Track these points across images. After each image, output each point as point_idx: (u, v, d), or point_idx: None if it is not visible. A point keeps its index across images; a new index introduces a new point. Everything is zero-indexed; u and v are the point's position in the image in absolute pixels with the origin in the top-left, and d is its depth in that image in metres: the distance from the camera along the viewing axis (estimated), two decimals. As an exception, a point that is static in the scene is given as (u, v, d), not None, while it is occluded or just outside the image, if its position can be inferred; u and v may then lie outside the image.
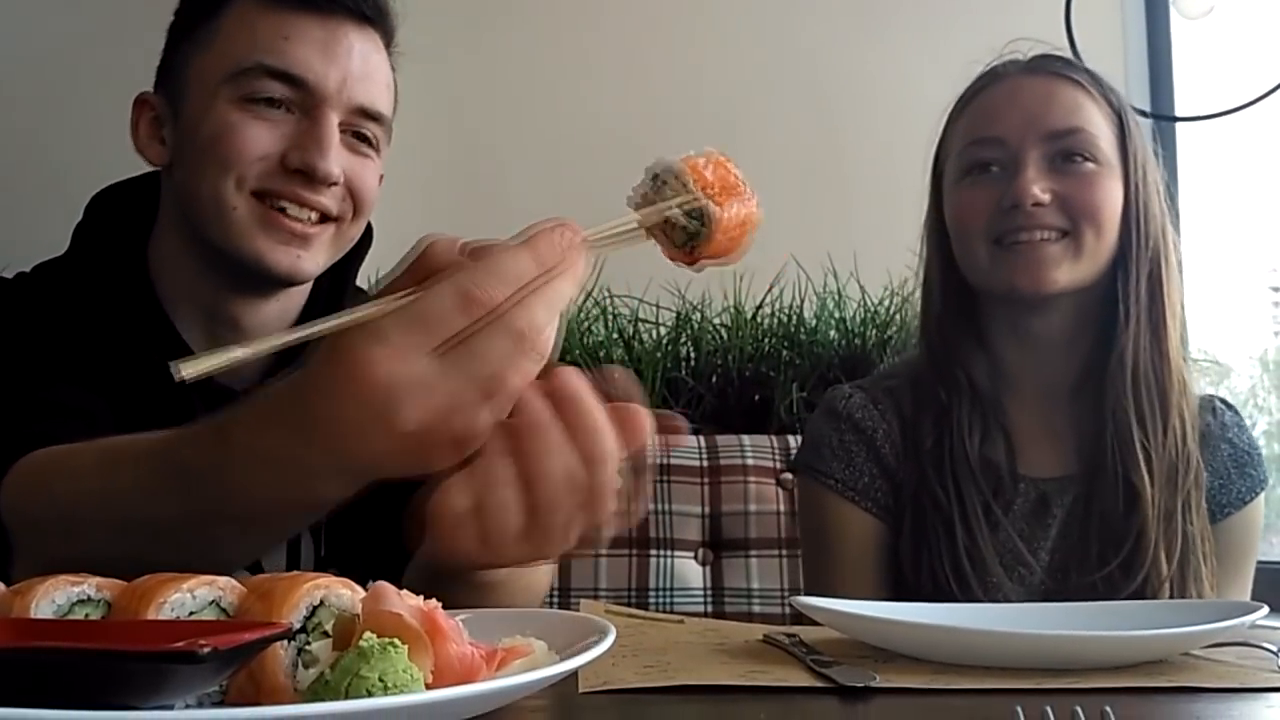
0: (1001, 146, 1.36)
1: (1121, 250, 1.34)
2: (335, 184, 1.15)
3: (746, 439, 1.93)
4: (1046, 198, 1.31)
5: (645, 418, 0.73)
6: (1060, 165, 1.34)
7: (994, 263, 1.34)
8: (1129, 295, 1.33)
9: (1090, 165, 1.33)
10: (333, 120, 1.14)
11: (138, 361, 1.11)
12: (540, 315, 0.65)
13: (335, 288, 1.26)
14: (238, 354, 0.62)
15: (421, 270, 0.66)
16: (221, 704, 0.59)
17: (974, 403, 1.38)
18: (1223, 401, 1.45)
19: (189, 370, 0.60)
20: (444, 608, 0.60)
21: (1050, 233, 1.32)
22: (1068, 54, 1.44)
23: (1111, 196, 1.33)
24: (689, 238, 0.70)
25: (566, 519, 0.73)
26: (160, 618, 0.58)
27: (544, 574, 0.95)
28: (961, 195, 1.38)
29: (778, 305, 2.23)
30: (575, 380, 0.72)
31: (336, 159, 1.14)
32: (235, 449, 0.72)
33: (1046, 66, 1.39)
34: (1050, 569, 1.33)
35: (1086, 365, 1.36)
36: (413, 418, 0.64)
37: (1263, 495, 1.42)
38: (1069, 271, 1.32)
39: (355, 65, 1.16)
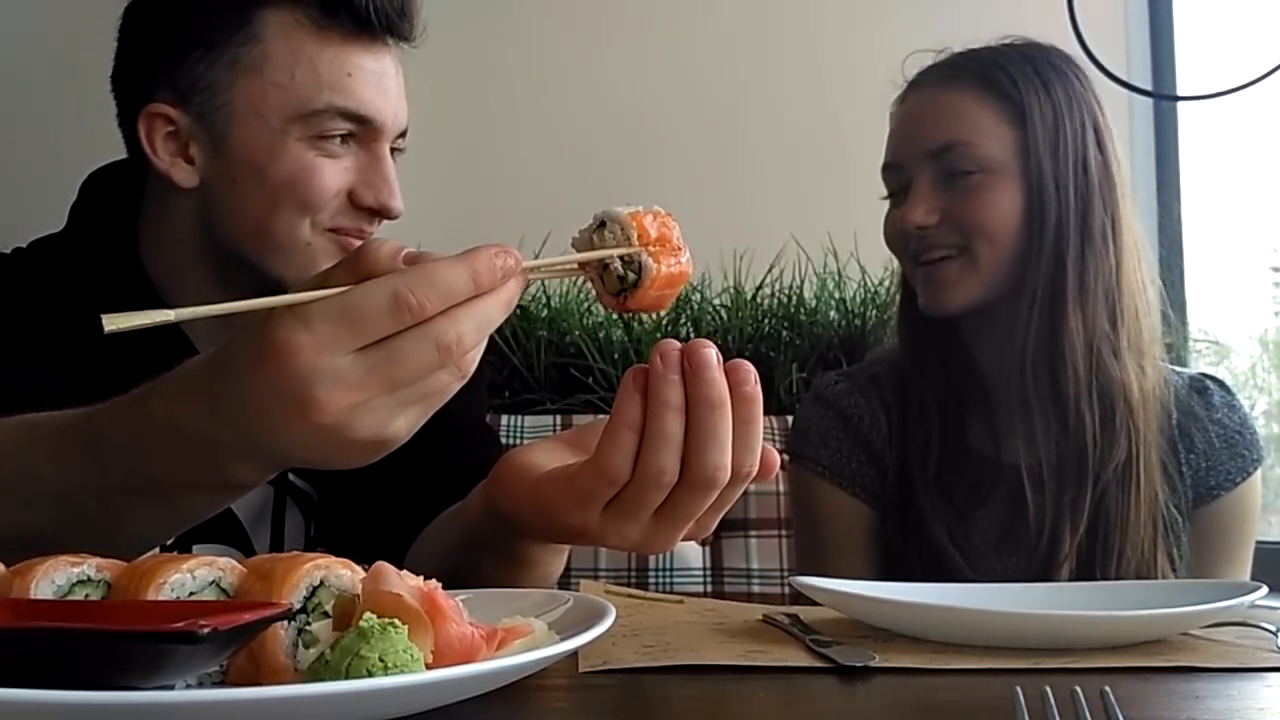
0: (899, 171, 1.38)
1: (1028, 245, 1.30)
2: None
3: (746, 419, 1.92)
4: (933, 220, 1.32)
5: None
6: (947, 182, 1.33)
7: (916, 280, 1.37)
8: (1033, 290, 1.30)
9: (977, 176, 1.31)
10: (389, 153, 1.16)
11: (127, 345, 1.10)
12: (468, 333, 0.65)
13: None
14: (169, 316, 0.62)
15: (360, 269, 0.66)
16: (222, 684, 0.59)
17: (956, 392, 1.38)
18: (1214, 380, 1.42)
19: (114, 324, 0.60)
20: (448, 586, 0.60)
21: (948, 250, 1.32)
22: (984, 45, 1.38)
23: (1001, 204, 1.31)
24: (622, 286, 0.73)
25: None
26: (160, 598, 0.58)
27: (562, 557, 0.94)
28: (887, 219, 1.41)
29: (778, 286, 2.23)
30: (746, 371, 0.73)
31: (399, 193, 1.16)
32: (150, 419, 0.72)
33: (928, 78, 1.38)
34: (1034, 553, 1.32)
35: (1037, 358, 1.32)
36: (326, 410, 0.64)
37: (1257, 475, 1.39)
38: (969, 289, 1.32)
39: (398, 92, 1.17)
